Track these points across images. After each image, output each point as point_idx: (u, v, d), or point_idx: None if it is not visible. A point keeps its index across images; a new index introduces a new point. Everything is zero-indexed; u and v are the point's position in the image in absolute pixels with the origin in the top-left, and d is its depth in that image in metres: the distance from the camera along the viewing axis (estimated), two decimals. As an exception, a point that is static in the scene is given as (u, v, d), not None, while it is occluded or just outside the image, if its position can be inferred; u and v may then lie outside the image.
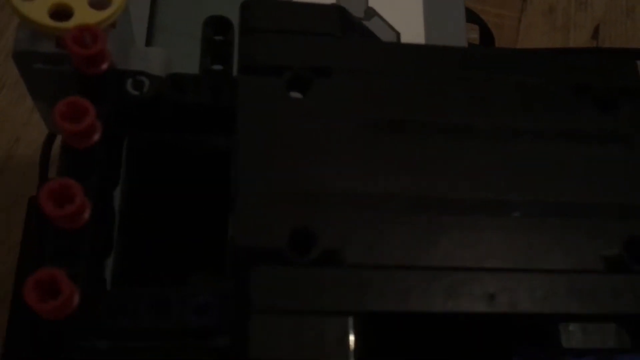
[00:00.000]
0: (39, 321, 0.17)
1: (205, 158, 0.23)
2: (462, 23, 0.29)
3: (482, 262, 0.18)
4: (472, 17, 0.31)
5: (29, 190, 0.26)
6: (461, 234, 0.18)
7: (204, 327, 0.18)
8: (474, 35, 0.32)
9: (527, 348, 0.20)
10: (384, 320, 0.18)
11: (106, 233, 0.20)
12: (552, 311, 0.18)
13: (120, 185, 0.21)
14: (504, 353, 0.20)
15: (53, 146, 0.27)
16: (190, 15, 0.25)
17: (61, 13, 0.20)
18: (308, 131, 0.19)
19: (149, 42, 0.25)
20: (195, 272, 0.22)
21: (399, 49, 0.22)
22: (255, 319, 0.17)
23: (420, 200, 0.19)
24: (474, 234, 0.18)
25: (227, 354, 0.18)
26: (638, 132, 0.21)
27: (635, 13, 0.42)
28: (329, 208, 0.18)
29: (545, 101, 0.21)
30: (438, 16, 0.29)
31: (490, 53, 0.23)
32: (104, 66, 0.19)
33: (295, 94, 0.19)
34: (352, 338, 0.16)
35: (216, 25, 0.21)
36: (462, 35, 0.29)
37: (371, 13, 0.29)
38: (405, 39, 0.28)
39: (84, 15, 0.20)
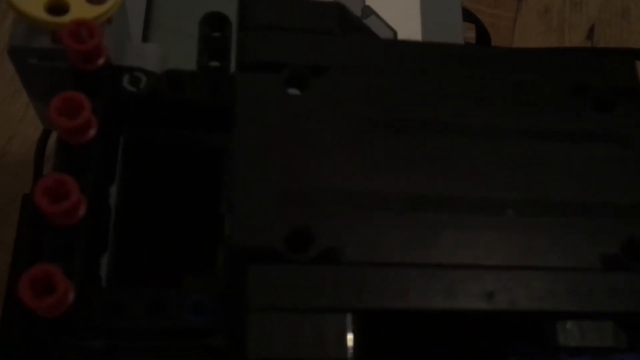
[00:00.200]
0: (34, 319, 0.17)
1: (202, 156, 0.23)
2: (458, 22, 0.29)
3: (481, 260, 0.18)
4: (468, 16, 0.31)
5: (24, 188, 0.26)
6: (460, 232, 0.18)
7: (200, 327, 0.18)
8: (471, 35, 0.32)
9: (524, 347, 0.20)
10: (382, 318, 0.17)
11: (102, 230, 0.20)
12: (551, 309, 0.18)
13: (116, 183, 0.21)
14: (500, 352, 0.20)
15: (48, 143, 0.27)
16: (187, 11, 0.25)
17: (57, 8, 0.20)
18: (306, 129, 0.19)
19: (145, 38, 0.25)
20: (192, 271, 0.22)
21: (398, 47, 0.22)
22: (253, 317, 0.16)
23: (418, 198, 0.19)
24: (473, 232, 0.18)
25: (224, 353, 0.18)
26: (636, 132, 0.21)
27: (630, 14, 0.42)
28: (327, 206, 0.18)
29: (543, 101, 0.21)
30: (435, 15, 0.29)
31: (489, 52, 0.23)
32: (100, 62, 0.19)
33: (294, 91, 0.19)
34: (350, 336, 0.16)
35: (213, 21, 0.21)
36: (458, 34, 0.29)
37: (368, 12, 0.29)
38: (402, 37, 0.28)
39: (80, 10, 0.20)
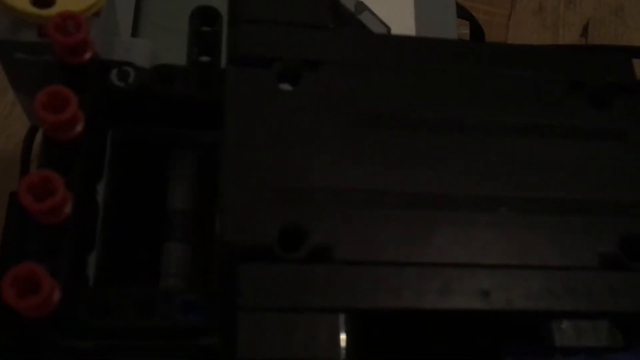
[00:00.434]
0: (18, 320, 0.16)
1: (192, 153, 0.22)
2: (453, 18, 0.29)
3: (476, 259, 0.18)
4: (462, 13, 0.31)
5: (10, 185, 0.25)
6: (455, 231, 0.18)
7: (190, 326, 0.17)
8: (465, 31, 0.32)
9: (519, 347, 0.20)
10: (376, 318, 0.17)
11: (89, 228, 0.20)
12: (548, 308, 0.17)
13: (104, 180, 0.21)
14: (495, 352, 0.20)
15: (35, 140, 0.26)
16: (177, 5, 0.25)
17: (43, 0, 0.19)
18: (298, 125, 0.19)
19: (134, 33, 0.25)
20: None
21: (391, 41, 0.21)
22: (244, 317, 0.16)
23: (413, 195, 0.18)
24: (468, 231, 0.18)
25: (214, 353, 0.18)
26: (633, 129, 0.20)
27: (624, 12, 0.42)
28: (320, 204, 0.18)
29: (540, 97, 0.20)
30: (429, 11, 0.29)
31: (485, 47, 0.22)
32: (87, 55, 0.19)
33: (286, 87, 0.19)
34: (343, 336, 0.16)
35: (204, 16, 0.20)
36: (452, 31, 0.29)
37: (361, 7, 0.28)
38: (395, 33, 0.28)
39: (66, 2, 0.19)
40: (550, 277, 0.18)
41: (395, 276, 0.17)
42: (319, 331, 0.16)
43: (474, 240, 0.18)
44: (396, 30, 0.28)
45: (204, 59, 0.20)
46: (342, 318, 0.16)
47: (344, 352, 0.16)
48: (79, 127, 0.18)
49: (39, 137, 0.26)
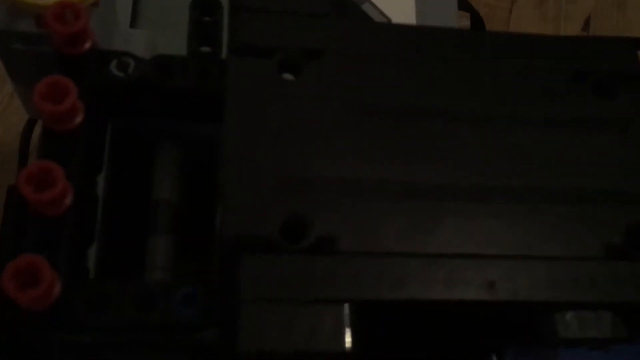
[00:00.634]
0: (17, 313, 0.16)
1: (193, 145, 0.22)
2: (453, 10, 0.29)
3: (481, 249, 0.17)
4: (463, 4, 0.30)
5: (8, 179, 0.25)
6: (459, 221, 0.18)
7: (190, 320, 0.17)
8: (465, 24, 0.32)
9: (522, 338, 0.19)
10: (380, 309, 0.17)
11: (89, 220, 0.19)
12: (553, 299, 0.17)
13: (104, 172, 0.20)
14: (498, 343, 0.20)
15: (33, 133, 0.26)
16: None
17: (41, -10, 0.19)
18: (300, 115, 0.18)
19: (133, 24, 0.24)
20: (182, 262, 0.21)
21: (394, 31, 0.21)
22: (246, 308, 0.16)
23: (416, 186, 0.18)
24: (472, 221, 0.18)
25: (215, 347, 0.17)
26: (637, 119, 0.20)
27: (626, 5, 0.42)
28: (322, 195, 0.18)
29: (543, 87, 0.20)
30: (429, 2, 0.29)
31: (487, 37, 0.22)
32: (86, 45, 0.18)
33: (288, 76, 0.19)
34: (347, 327, 0.16)
35: (204, 5, 0.20)
36: (453, 23, 0.29)
37: (362, -1, 0.28)
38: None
39: (65, -8, 0.19)
40: (556, 268, 0.17)
41: (400, 267, 0.17)
42: (323, 322, 0.16)
43: (479, 231, 0.18)
44: (396, 21, 0.28)
45: (205, 49, 0.20)
46: (346, 309, 0.16)
47: (348, 343, 0.16)
48: (79, 118, 0.18)
49: (37, 129, 0.26)
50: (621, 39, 0.23)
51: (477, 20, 0.31)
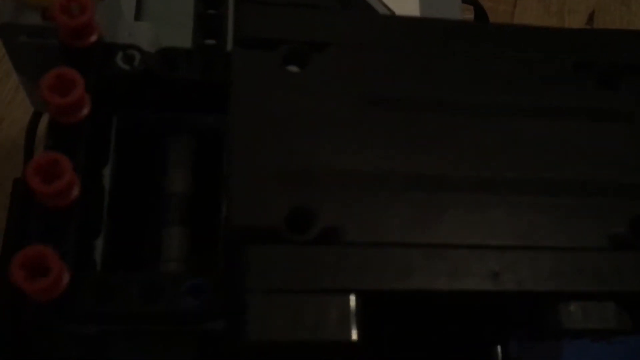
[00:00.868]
0: (26, 304, 0.16)
1: (199, 137, 0.22)
2: (457, 3, 0.29)
3: (485, 240, 0.18)
4: (467, -2, 0.30)
5: (13, 172, 0.25)
6: (463, 212, 0.18)
7: (197, 311, 0.17)
8: (469, 17, 0.32)
9: (525, 329, 0.20)
10: (386, 300, 0.17)
11: (95, 212, 0.19)
12: (557, 289, 0.17)
13: (110, 165, 0.21)
14: (501, 334, 0.20)
15: (39, 127, 0.26)
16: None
17: (47, -17, 0.19)
18: (306, 107, 0.18)
19: (138, 17, 0.24)
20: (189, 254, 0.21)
21: (398, 23, 0.21)
22: (253, 299, 0.16)
23: (421, 177, 0.18)
24: (477, 212, 0.18)
25: (221, 338, 0.17)
26: (641, 110, 0.20)
27: (630, 0, 0.42)
28: (327, 186, 0.18)
29: (546, 78, 0.20)
30: (433, -4, 0.29)
31: (491, 28, 0.22)
32: (92, 38, 0.19)
33: (293, 68, 0.19)
34: (354, 318, 0.16)
35: (209, -2, 0.20)
36: (457, 15, 0.29)
37: (366, -9, 0.28)
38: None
39: (71, -15, 0.19)
40: (560, 258, 0.18)
41: (405, 257, 0.17)
42: (329, 312, 0.16)
43: (483, 222, 0.18)
44: (400, 14, 0.28)
45: (209, 41, 0.20)
46: (352, 299, 0.16)
47: (354, 333, 0.16)
48: (85, 110, 0.18)
49: (42, 123, 0.26)
50: (625, 31, 0.23)
51: (480, 13, 0.31)
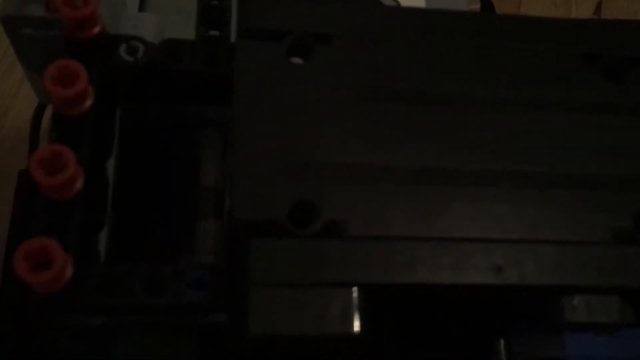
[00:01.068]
0: (30, 296, 0.16)
1: (203, 129, 0.22)
2: (463, -6, 0.29)
3: (489, 234, 0.17)
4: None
5: (18, 164, 0.25)
6: (467, 205, 0.18)
7: (199, 303, 0.17)
8: (475, 7, 0.32)
9: (529, 323, 0.19)
10: (388, 293, 0.17)
11: (99, 204, 0.19)
12: (561, 283, 0.17)
13: (114, 158, 0.21)
14: (504, 328, 0.20)
15: (43, 118, 0.26)
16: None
17: (50, -26, 0.19)
18: (309, 99, 0.18)
19: (141, 9, 0.24)
20: (191, 247, 0.21)
21: (403, 14, 0.21)
22: (256, 292, 0.16)
23: (425, 170, 0.18)
24: (480, 205, 0.18)
25: (224, 330, 0.18)
26: (647, 103, 0.20)
27: (637, -10, 0.41)
28: (331, 179, 0.18)
29: (553, 70, 0.20)
30: (439, -13, 0.28)
31: (497, 20, 0.22)
32: (96, 30, 0.18)
33: (297, 60, 0.19)
34: (357, 311, 0.16)
35: (213, -11, 0.20)
36: (463, 6, 0.28)
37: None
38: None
39: (74, -24, 0.19)
40: (564, 252, 0.17)
41: (408, 251, 0.17)
42: (333, 305, 0.16)
43: (487, 215, 0.18)
44: (406, 5, 0.28)
45: (213, 33, 0.20)
46: (355, 292, 0.16)
47: (357, 326, 0.16)
48: (89, 102, 0.18)
49: (46, 115, 0.26)
50: (633, 22, 0.23)
51: (486, 4, 0.31)
